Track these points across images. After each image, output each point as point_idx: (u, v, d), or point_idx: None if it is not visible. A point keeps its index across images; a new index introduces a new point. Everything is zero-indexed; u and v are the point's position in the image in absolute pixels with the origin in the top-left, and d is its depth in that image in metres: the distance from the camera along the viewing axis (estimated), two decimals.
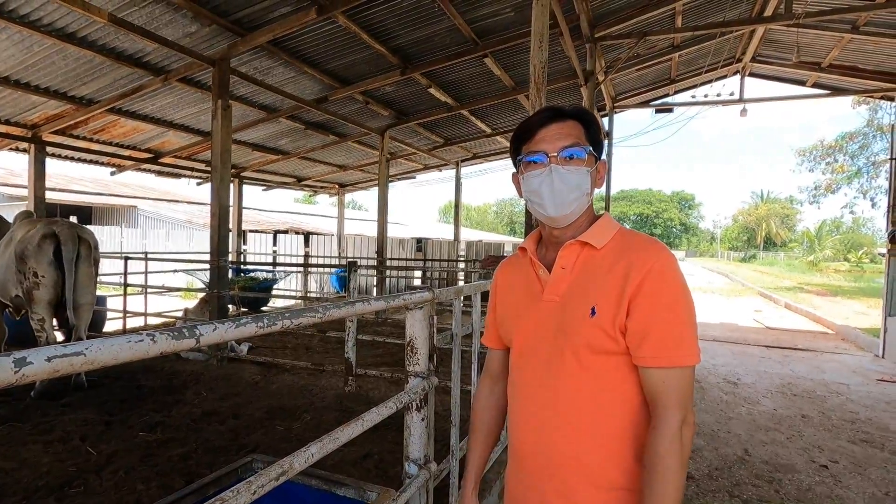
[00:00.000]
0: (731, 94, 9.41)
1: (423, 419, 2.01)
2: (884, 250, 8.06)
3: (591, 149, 1.05)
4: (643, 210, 75.43)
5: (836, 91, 9.23)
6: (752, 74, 9.83)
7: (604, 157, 1.11)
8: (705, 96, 9.78)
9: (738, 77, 9.67)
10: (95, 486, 2.94)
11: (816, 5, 6.73)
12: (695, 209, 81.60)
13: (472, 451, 1.29)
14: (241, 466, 1.98)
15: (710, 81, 10.20)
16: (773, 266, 37.57)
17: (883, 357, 7.48)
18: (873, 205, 19.30)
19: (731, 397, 5.31)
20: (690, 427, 0.92)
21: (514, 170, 1.14)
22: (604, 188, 11.12)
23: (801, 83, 9.41)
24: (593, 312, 0.96)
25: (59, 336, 4.82)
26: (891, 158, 7.96)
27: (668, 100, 11.20)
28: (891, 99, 8.44)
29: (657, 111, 10.80)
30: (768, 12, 7.15)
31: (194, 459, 3.30)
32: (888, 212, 7.86)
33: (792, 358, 7.35)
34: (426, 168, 14.13)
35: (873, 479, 3.45)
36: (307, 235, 15.43)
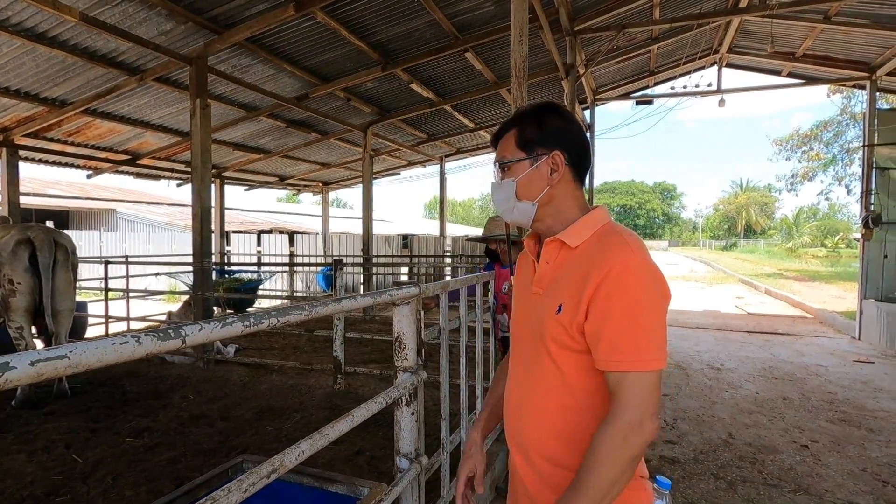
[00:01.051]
0: (710, 84, 9.53)
1: (412, 414, 2.02)
2: (859, 235, 8.29)
3: (519, 156, 1.08)
4: (626, 201, 76.27)
5: (811, 80, 9.43)
6: (729, 65, 9.97)
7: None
8: (684, 87, 9.89)
9: (715, 68, 9.81)
10: (82, 494, 2.90)
11: None
12: (677, 199, 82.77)
13: (485, 404, 1.38)
14: (232, 467, 1.98)
15: (688, 73, 10.33)
16: (754, 253, 38.33)
17: (859, 339, 7.71)
18: (848, 191, 19.80)
19: (715, 382, 5.43)
20: (645, 434, 0.89)
21: None
22: (587, 181, 11.19)
23: (777, 73, 9.58)
24: (559, 309, 1.00)
25: (39, 344, 4.71)
26: (863, 145, 8.17)
27: (648, 91, 11.31)
28: (863, 87, 8.64)
29: (638, 103, 10.90)
30: (743, 3, 7.26)
31: (183, 463, 3.27)
32: (862, 197, 8.07)
33: (773, 342, 7.53)
34: (410, 164, 14.09)
35: (851, 456, 3.57)
36: (292, 235, 15.29)
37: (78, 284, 4.82)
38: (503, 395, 1.32)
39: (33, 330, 4.50)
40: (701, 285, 16.84)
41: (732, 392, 5.09)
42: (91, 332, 7.62)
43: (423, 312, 2.08)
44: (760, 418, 4.33)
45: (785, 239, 39.04)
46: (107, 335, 7.10)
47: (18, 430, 3.78)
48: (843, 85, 10.49)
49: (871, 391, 5.10)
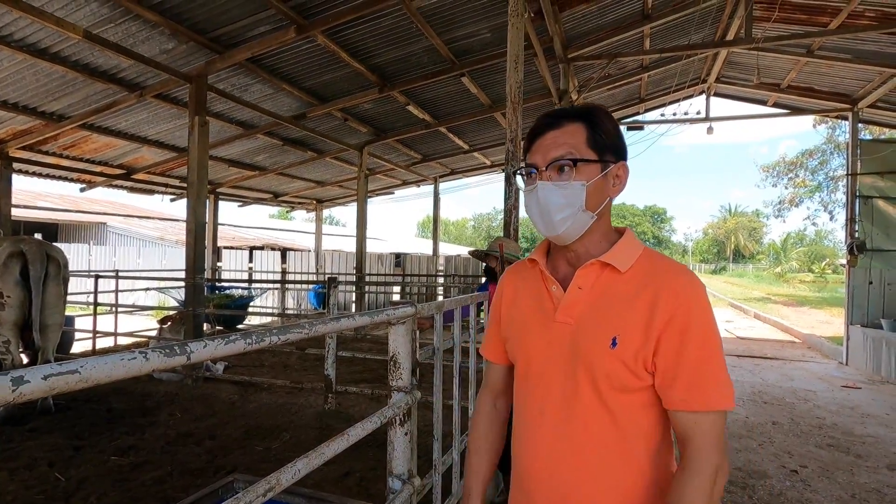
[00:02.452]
0: (699, 112, 9.79)
1: (406, 434, 2.02)
2: (844, 261, 8.45)
3: (590, 156, 0.92)
4: (617, 224, 76.60)
5: (796, 110, 9.71)
6: (717, 94, 10.26)
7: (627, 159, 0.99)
8: (674, 114, 10.14)
9: (704, 97, 10.09)
10: None
11: (774, 30, 7.11)
12: (667, 223, 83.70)
13: (474, 473, 1.16)
14: (222, 487, 1.96)
15: (678, 100, 10.60)
16: (743, 277, 38.74)
17: (846, 364, 7.78)
18: (832, 218, 20.19)
19: None
20: (725, 475, 0.85)
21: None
22: None
23: (763, 103, 9.87)
24: (614, 343, 0.87)
25: (24, 359, 4.64)
26: (847, 174, 8.39)
27: (639, 118, 11.58)
28: (846, 118, 8.92)
29: (629, 129, 11.13)
30: (730, 36, 7.53)
31: (170, 483, 3.21)
32: (846, 224, 8.25)
33: (762, 367, 7.58)
34: (405, 184, 14.20)
35: (840, 482, 3.59)
36: (284, 251, 15.24)
37: (67, 299, 4.77)
38: (497, 450, 1.18)
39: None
40: None
41: None
42: (77, 348, 7.50)
43: (418, 332, 2.10)
44: (750, 443, 4.35)
45: (773, 263, 39.57)
46: (93, 351, 7.00)
47: (0, 446, 3.70)
48: (827, 116, 10.82)
49: (858, 416, 5.14)
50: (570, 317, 0.94)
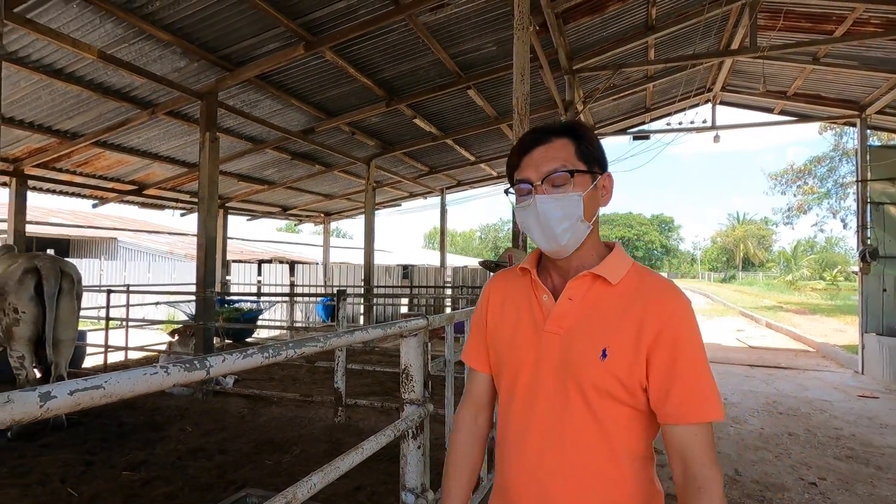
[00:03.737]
0: (704, 121, 9.79)
1: (419, 447, 2.01)
2: (857, 268, 8.34)
3: (582, 167, 0.94)
4: (624, 233, 76.71)
5: (803, 118, 9.69)
6: (722, 103, 10.27)
7: (610, 169, 1.00)
8: (680, 123, 10.15)
9: (710, 105, 10.09)
10: None
11: (779, 39, 7.14)
12: (674, 231, 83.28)
13: (452, 490, 1.12)
14: (236, 501, 1.96)
15: (683, 109, 10.61)
16: (753, 286, 38.33)
17: (862, 373, 7.65)
18: (844, 225, 20.01)
19: None
20: (722, 480, 0.88)
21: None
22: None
23: (769, 111, 9.85)
24: (604, 355, 0.89)
25: (37, 374, 4.68)
26: (857, 181, 8.32)
27: (645, 127, 11.60)
28: (853, 125, 8.87)
29: (634, 138, 11.15)
30: (735, 45, 7.56)
31: (181, 498, 3.21)
32: (858, 231, 8.17)
33: (775, 376, 7.47)
34: (412, 196, 14.28)
35: (860, 494, 3.51)
36: (292, 264, 15.32)
37: (80, 314, 4.82)
38: (477, 466, 1.15)
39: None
40: (701, 318, 16.78)
41: (737, 427, 5.02)
42: (89, 362, 7.55)
43: (429, 344, 2.10)
44: (766, 454, 4.27)
45: (784, 271, 39.16)
46: (105, 366, 7.04)
47: (13, 462, 3.71)
48: (835, 123, 10.79)
49: (877, 427, 5.04)
50: (560, 327, 0.95)
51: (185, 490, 3.31)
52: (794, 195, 21.75)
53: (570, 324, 0.94)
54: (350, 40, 5.46)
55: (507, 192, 1.01)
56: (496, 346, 1.05)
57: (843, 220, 19.91)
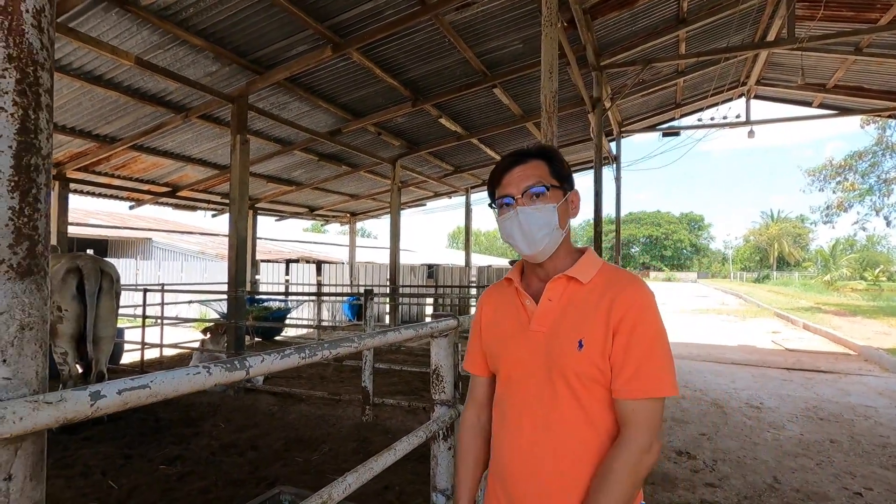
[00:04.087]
0: (738, 116, 9.50)
1: (449, 448, 2.00)
2: None
3: (555, 183, 1.09)
4: (652, 232, 75.16)
5: (843, 111, 9.29)
6: (757, 97, 9.95)
7: (576, 187, 1.17)
8: (712, 119, 9.87)
9: (743, 99, 9.79)
10: None
11: (819, 29, 6.85)
12: (705, 230, 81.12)
13: (462, 481, 1.26)
14: (269, 499, 1.98)
15: (716, 104, 10.33)
16: (789, 286, 36.99)
17: None
18: (888, 223, 19.10)
19: (755, 422, 5.18)
20: (653, 455, 0.97)
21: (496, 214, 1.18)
22: (613, 212, 11.15)
23: (808, 104, 9.50)
24: (580, 345, 1.01)
25: (79, 369, 4.86)
26: None
27: (675, 123, 11.32)
28: None
29: (664, 135, 10.91)
30: (771, 37, 7.30)
31: (215, 493, 3.28)
32: None
33: (815, 381, 7.18)
34: (436, 195, 14.30)
35: None
36: (319, 264, 15.55)
37: (118, 312, 4.99)
38: (483, 459, 1.26)
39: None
40: (733, 319, 16.29)
41: (775, 433, 4.85)
42: (126, 359, 7.82)
43: (459, 345, 2.09)
44: (807, 462, 4.11)
45: (821, 271, 37.66)
46: (142, 362, 7.28)
47: (57, 454, 3.87)
48: (878, 115, 10.31)
49: None
50: (542, 325, 1.08)
51: (219, 485, 3.39)
52: (834, 192, 20.88)
53: (551, 321, 1.08)
54: (377, 41, 5.49)
55: (490, 205, 1.17)
56: (490, 349, 1.19)
57: (886, 218, 19.02)
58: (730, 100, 10.25)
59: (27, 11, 0.67)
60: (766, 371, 7.87)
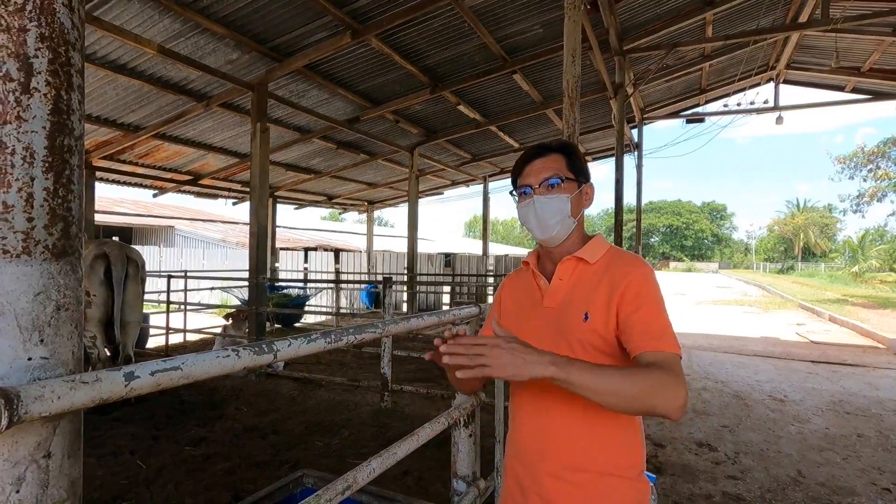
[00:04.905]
0: (766, 101, 9.20)
1: (470, 436, 2.00)
2: None
3: (571, 176, 1.19)
4: (672, 221, 73.83)
5: (878, 95, 8.93)
6: (786, 81, 9.62)
7: (595, 177, 1.29)
8: (738, 104, 9.58)
9: (772, 84, 9.47)
10: (146, 499, 3.03)
11: (854, 9, 6.57)
12: (727, 220, 79.39)
13: None
14: (293, 481, 2.01)
15: (743, 90, 10.01)
16: (814, 277, 36.03)
17: None
18: None
19: (779, 415, 5.09)
20: (682, 395, 0.96)
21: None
22: (633, 200, 10.96)
23: (840, 88, 9.15)
24: (586, 317, 1.12)
25: (107, 353, 5.01)
26: None
27: (699, 109, 11.03)
28: None
29: (688, 121, 10.64)
30: (803, 18, 7.01)
31: (238, 475, 3.36)
32: None
33: (841, 374, 7.01)
34: (454, 184, 14.24)
35: None
36: (337, 252, 15.68)
37: (144, 297, 5.11)
38: None
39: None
40: (756, 310, 15.96)
41: (799, 426, 4.75)
42: (151, 343, 8.02)
43: (479, 333, 2.08)
44: (833, 456, 4.02)
45: (849, 262, 36.54)
46: (166, 346, 7.46)
47: (88, 434, 4.00)
48: None
49: None
50: (553, 301, 1.20)
51: (243, 467, 3.47)
52: (865, 180, 20.17)
53: (561, 298, 1.19)
54: (396, 27, 5.44)
55: (511, 193, 1.27)
56: (508, 326, 1.26)
57: None
58: (757, 84, 9.92)
59: None
60: (790, 363, 7.71)
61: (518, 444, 1.22)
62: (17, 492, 0.63)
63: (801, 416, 5.04)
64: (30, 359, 0.65)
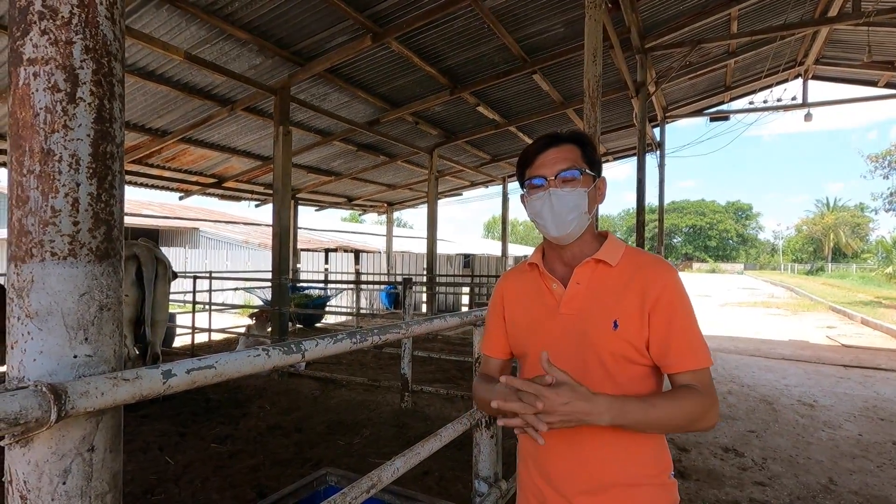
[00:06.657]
0: (794, 98, 8.97)
1: (492, 437, 2.01)
2: None
3: (587, 169, 1.11)
4: (696, 221, 72.39)
5: None
6: (815, 77, 9.35)
7: (604, 174, 1.19)
8: (764, 101, 9.35)
9: (800, 80, 9.22)
10: (174, 494, 3.11)
11: (888, 1, 6.35)
12: (752, 219, 77.46)
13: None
14: (316, 479, 2.04)
15: (769, 86, 9.77)
16: (845, 279, 34.90)
17: None
18: None
19: (809, 420, 4.94)
20: (715, 416, 1.01)
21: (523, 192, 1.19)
22: (656, 200, 10.80)
23: (872, 83, 8.85)
24: (616, 325, 1.04)
25: (136, 352, 5.15)
26: None
27: (724, 107, 10.80)
28: None
29: (712, 119, 10.43)
30: (833, 12, 6.81)
31: (263, 472, 3.42)
32: None
33: (875, 379, 6.78)
34: (473, 185, 14.24)
35: None
36: (357, 253, 15.82)
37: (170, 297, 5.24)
38: None
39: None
40: (784, 313, 15.53)
41: (830, 432, 4.61)
42: (177, 342, 8.22)
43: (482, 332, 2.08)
44: (866, 464, 3.89)
45: (882, 263, 35.27)
46: (192, 346, 7.64)
47: None
48: None
49: None
50: (573, 308, 1.10)
51: (267, 465, 3.53)
52: None
53: (581, 304, 1.09)
54: (415, 29, 5.47)
55: (522, 185, 1.17)
56: (516, 334, 1.19)
57: None
58: (784, 81, 9.67)
59: (101, 4, 0.69)
60: (820, 367, 7.48)
61: (544, 464, 1.14)
62: (64, 483, 0.66)
63: (832, 422, 4.89)
64: (75, 356, 0.68)
